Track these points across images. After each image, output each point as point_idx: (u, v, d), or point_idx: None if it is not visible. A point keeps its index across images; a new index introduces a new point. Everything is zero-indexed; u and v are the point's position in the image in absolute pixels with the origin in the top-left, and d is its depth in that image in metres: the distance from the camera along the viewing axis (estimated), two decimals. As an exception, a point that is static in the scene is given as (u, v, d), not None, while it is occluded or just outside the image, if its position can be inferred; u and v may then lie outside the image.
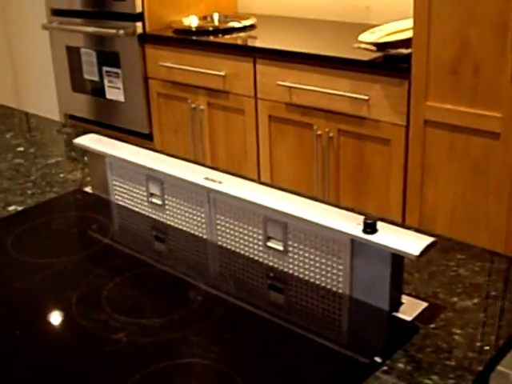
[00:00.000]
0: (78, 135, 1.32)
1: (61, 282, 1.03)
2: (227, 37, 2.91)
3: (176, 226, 1.17)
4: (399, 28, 2.42)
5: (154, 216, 1.21)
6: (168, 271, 1.05)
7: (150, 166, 1.15)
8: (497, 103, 2.11)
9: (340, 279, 0.96)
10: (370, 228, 0.91)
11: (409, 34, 2.30)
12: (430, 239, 0.88)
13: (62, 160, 1.57)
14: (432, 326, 0.90)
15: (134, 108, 3.19)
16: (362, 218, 0.93)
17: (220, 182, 1.07)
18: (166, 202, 1.17)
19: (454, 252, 1.09)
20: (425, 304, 0.95)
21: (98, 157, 1.27)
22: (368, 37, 2.40)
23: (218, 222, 1.10)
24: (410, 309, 0.94)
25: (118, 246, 1.14)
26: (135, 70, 3.11)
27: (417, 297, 0.97)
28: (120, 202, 1.27)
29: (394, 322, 0.92)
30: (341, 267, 0.95)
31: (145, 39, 3.08)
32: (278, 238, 1.02)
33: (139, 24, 3.05)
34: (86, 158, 1.53)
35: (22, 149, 1.65)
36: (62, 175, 1.46)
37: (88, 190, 1.35)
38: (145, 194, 1.20)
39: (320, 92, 2.53)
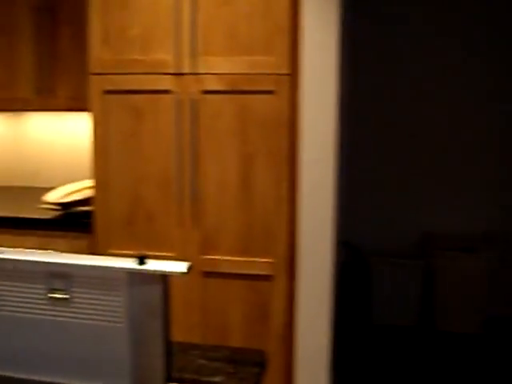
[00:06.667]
0: None
1: None
2: None
3: None
4: (78, 188, 2.77)
5: None
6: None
7: None
8: (169, 244, 2.57)
9: (119, 312, 1.21)
10: (142, 261, 1.20)
11: (88, 194, 2.67)
12: (189, 263, 1.21)
13: None
14: None
15: None
16: (134, 258, 1.21)
17: (1, 252, 1.24)
18: None
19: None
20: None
21: None
22: (51, 197, 2.70)
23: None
24: None
25: None
26: None
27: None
28: None
29: None
30: (119, 299, 1.20)
31: None
32: (63, 288, 1.22)
33: None
34: None
35: None
36: None
37: None
38: None
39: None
